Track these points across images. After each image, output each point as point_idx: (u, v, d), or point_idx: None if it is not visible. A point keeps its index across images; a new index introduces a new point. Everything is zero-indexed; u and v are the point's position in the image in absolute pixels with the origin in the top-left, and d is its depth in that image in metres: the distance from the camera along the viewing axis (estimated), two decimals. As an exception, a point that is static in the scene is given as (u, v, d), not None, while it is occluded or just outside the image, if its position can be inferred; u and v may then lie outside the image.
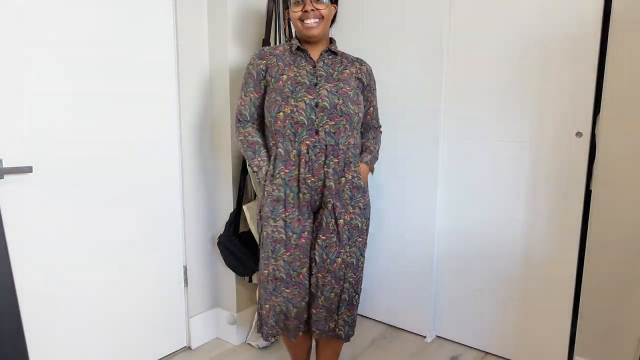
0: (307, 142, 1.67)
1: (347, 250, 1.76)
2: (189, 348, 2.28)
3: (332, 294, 1.78)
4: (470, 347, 2.31)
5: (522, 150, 2.03)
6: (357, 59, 1.86)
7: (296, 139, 1.68)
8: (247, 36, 2.17)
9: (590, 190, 1.91)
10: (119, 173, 1.91)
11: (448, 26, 2.14)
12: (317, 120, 1.67)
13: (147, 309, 2.08)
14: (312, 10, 1.67)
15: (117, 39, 1.84)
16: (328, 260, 1.75)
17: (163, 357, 2.20)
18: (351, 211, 1.75)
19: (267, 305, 1.78)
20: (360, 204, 1.76)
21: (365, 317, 2.60)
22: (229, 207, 2.22)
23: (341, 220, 1.73)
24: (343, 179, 1.72)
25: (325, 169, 1.69)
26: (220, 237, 2.16)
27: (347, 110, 1.70)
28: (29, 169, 1.62)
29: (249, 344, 2.32)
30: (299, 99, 1.67)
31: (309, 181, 1.69)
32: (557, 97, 1.92)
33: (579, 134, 1.89)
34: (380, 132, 1.98)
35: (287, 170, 1.70)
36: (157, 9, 1.96)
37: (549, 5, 1.89)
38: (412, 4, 2.21)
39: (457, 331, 2.35)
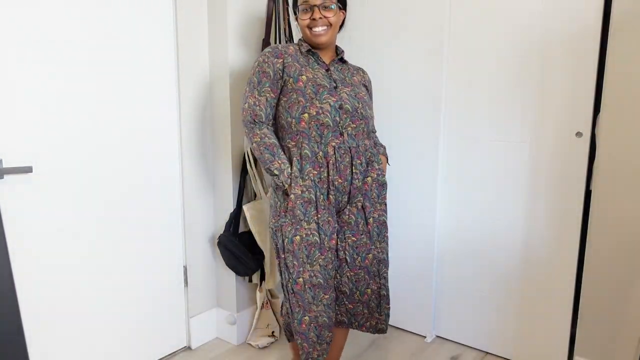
0: (333, 143, 1.67)
1: (378, 246, 1.79)
2: (189, 348, 2.28)
3: (369, 290, 1.80)
4: (470, 347, 2.31)
5: (522, 150, 2.03)
6: (360, 68, 1.90)
7: (322, 141, 1.67)
8: (247, 36, 2.17)
9: (590, 190, 1.91)
10: (119, 173, 1.91)
11: (448, 26, 2.14)
12: (341, 122, 1.68)
13: (147, 309, 2.08)
14: (321, 18, 1.67)
15: (117, 40, 1.84)
16: (359, 258, 1.77)
17: (163, 357, 2.20)
18: (379, 208, 1.78)
19: (307, 318, 1.68)
20: (385, 200, 1.81)
21: (365, 317, 2.60)
22: (229, 207, 2.22)
23: (371, 219, 1.76)
24: (369, 178, 1.75)
25: (354, 170, 1.70)
26: (220, 237, 2.16)
27: (365, 114, 1.74)
28: (29, 169, 1.62)
29: (249, 344, 2.32)
30: (324, 101, 1.66)
31: (337, 182, 1.69)
32: (557, 97, 1.92)
33: (579, 134, 1.89)
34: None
35: (315, 172, 1.67)
36: (157, 9, 1.96)
37: (549, 6, 1.89)
38: (412, 5, 2.21)
39: (457, 331, 2.35)
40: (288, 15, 2.28)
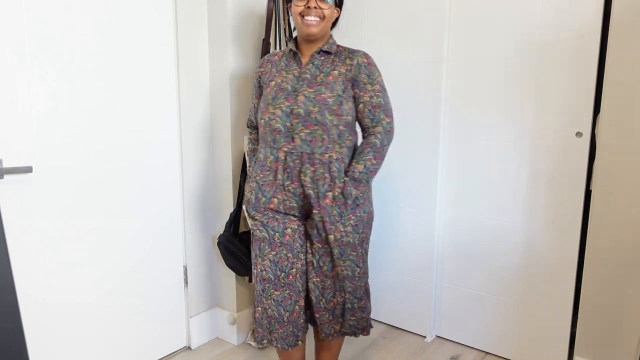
0: (285, 148, 1.66)
1: (342, 265, 1.72)
2: (189, 348, 2.28)
3: (335, 299, 1.77)
4: (470, 347, 2.31)
5: (522, 150, 2.03)
6: (351, 53, 1.71)
7: (275, 145, 1.68)
8: (247, 36, 2.17)
9: (590, 190, 1.91)
10: (119, 172, 1.91)
11: (448, 26, 2.14)
12: (292, 127, 1.64)
13: (147, 309, 2.08)
14: (315, 7, 1.63)
15: (118, 41, 1.84)
16: (325, 267, 1.74)
17: (163, 357, 2.20)
18: (342, 229, 1.68)
19: (260, 308, 1.75)
20: (352, 221, 1.68)
21: (365, 317, 2.60)
22: (229, 207, 2.22)
23: (332, 236, 1.68)
24: (330, 193, 1.65)
25: (302, 177, 1.65)
26: (220, 237, 2.16)
27: (322, 120, 1.62)
28: (29, 169, 1.62)
29: (249, 344, 2.32)
30: (277, 106, 1.66)
31: (291, 187, 1.68)
32: (557, 97, 1.92)
33: (579, 134, 1.89)
34: (384, 133, 1.68)
35: (261, 175, 1.70)
36: (158, 8, 1.96)
37: (549, 6, 1.89)
38: (413, 6, 2.21)
39: (457, 331, 2.35)
40: (288, 15, 2.28)
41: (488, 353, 2.26)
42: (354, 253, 1.73)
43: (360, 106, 1.69)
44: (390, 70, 2.31)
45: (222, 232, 2.17)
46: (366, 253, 1.81)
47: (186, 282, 2.23)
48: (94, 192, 1.84)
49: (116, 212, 1.92)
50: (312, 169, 1.64)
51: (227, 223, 2.17)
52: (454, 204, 2.25)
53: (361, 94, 1.68)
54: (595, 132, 1.87)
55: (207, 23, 2.15)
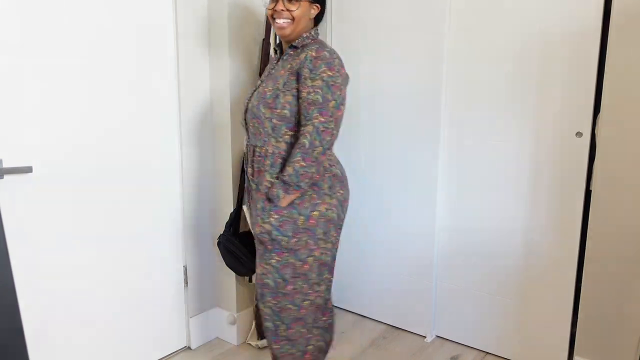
0: (246, 142, 1.76)
1: (263, 265, 1.63)
2: (189, 348, 2.28)
3: (262, 312, 1.72)
4: (470, 347, 2.31)
5: (522, 150, 2.03)
6: (310, 45, 1.61)
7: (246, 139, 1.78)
8: (247, 37, 2.17)
9: (590, 190, 1.91)
10: (119, 173, 1.91)
11: (448, 26, 2.14)
12: (246, 121, 1.73)
13: (147, 309, 2.08)
14: (283, 10, 1.61)
15: (118, 39, 1.84)
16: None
17: (163, 357, 2.20)
18: (260, 223, 1.63)
19: None
20: (273, 220, 1.59)
21: (365, 317, 2.60)
22: (229, 207, 2.22)
23: (256, 230, 1.66)
24: (261, 186, 1.66)
25: (249, 169, 1.73)
26: (220, 237, 2.16)
27: (257, 113, 1.63)
28: (29, 169, 1.62)
29: (249, 344, 2.32)
30: (245, 104, 1.76)
31: (251, 178, 1.74)
32: (557, 97, 1.92)
33: (579, 134, 1.89)
34: (315, 133, 1.53)
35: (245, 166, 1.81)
36: (157, 8, 1.96)
37: (549, 6, 1.89)
38: (413, 6, 2.21)
39: (457, 331, 2.35)
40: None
41: (488, 353, 2.26)
42: (278, 258, 1.60)
43: (299, 102, 1.59)
44: (391, 69, 2.31)
45: (222, 232, 2.17)
46: (314, 272, 1.63)
47: (186, 282, 2.23)
48: (94, 192, 1.84)
49: (116, 212, 1.92)
50: (255, 161, 1.69)
51: (227, 223, 2.16)
52: (454, 203, 2.25)
53: (300, 89, 1.57)
54: (595, 132, 1.87)
55: (207, 23, 2.15)
